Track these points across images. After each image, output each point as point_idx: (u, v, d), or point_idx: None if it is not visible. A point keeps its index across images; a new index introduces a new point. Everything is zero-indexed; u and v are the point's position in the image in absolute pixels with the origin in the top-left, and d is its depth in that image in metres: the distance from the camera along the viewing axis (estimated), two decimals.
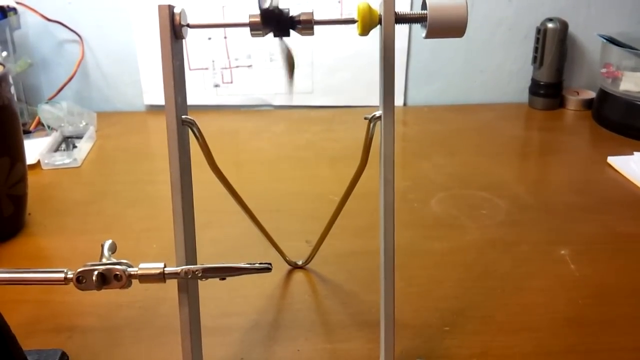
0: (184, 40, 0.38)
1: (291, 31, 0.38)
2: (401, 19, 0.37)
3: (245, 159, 0.87)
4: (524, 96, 1.06)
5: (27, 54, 0.99)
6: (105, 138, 0.94)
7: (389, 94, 0.37)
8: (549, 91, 1.02)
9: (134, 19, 1.00)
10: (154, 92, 1.05)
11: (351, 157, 0.85)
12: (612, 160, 0.80)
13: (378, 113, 0.39)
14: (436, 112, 1.03)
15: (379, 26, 0.38)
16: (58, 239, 0.66)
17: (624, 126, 0.91)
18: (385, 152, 0.38)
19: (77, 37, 1.01)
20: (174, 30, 0.37)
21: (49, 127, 0.94)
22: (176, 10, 0.37)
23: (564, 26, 0.98)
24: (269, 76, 1.04)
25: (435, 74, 1.06)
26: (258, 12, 0.35)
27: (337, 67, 1.04)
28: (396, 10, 0.37)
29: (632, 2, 1.01)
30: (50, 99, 1.00)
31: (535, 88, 1.03)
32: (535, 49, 1.01)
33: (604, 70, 0.96)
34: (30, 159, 0.75)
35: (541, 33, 0.99)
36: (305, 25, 0.37)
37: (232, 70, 1.03)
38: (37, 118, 0.96)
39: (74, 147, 0.88)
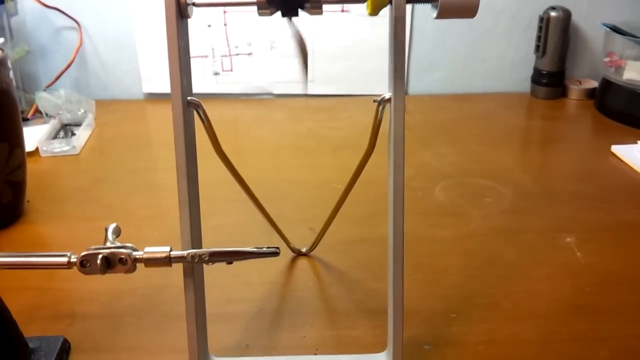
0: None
1: (299, 11, 0.37)
2: None
3: (246, 148, 0.86)
4: (526, 85, 1.05)
5: (24, 41, 0.98)
6: (104, 126, 0.93)
7: (400, 75, 0.37)
8: (551, 80, 1.01)
9: (132, 5, 0.99)
10: (153, 80, 1.04)
11: (353, 145, 0.86)
12: (616, 149, 0.80)
13: (387, 95, 0.38)
14: (438, 101, 1.02)
15: (388, 6, 0.37)
16: (57, 226, 0.65)
17: (627, 115, 0.90)
18: (395, 135, 0.38)
19: (75, 24, 1.00)
20: (180, 9, 0.36)
21: (46, 114, 0.93)
22: None
23: (567, 15, 0.97)
24: (269, 64, 1.03)
25: (437, 63, 1.05)
26: None
27: (338, 56, 1.03)
28: None
29: None
30: (48, 86, 0.99)
31: (537, 77, 1.02)
32: (538, 38, 1.00)
33: (607, 59, 0.95)
34: (28, 147, 0.74)
35: (544, 22, 0.98)
36: (314, 4, 0.36)
37: (232, 58, 1.02)
38: (34, 105, 0.94)
39: (73, 134, 0.87)
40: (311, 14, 0.37)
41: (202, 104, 0.39)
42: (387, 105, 0.39)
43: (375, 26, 1.00)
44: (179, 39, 0.36)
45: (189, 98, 0.38)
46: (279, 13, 0.37)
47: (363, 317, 0.49)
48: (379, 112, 0.40)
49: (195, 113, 0.39)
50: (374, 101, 0.39)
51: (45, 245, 0.63)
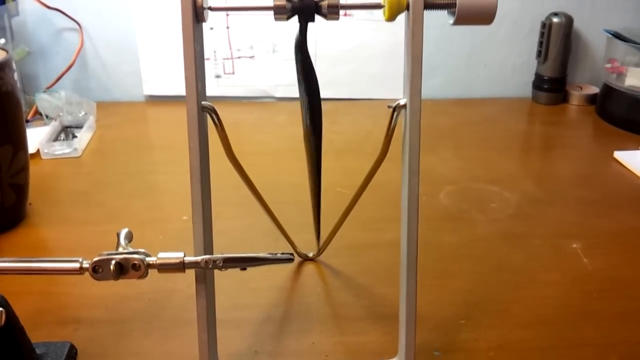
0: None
1: (316, 16, 0.37)
2: (430, 4, 0.36)
3: (248, 151, 0.85)
4: (527, 90, 1.05)
5: (25, 42, 0.97)
6: (105, 128, 0.92)
7: (416, 82, 0.37)
8: (552, 86, 1.01)
9: (134, 7, 0.99)
10: (154, 82, 1.03)
11: (356, 149, 0.86)
12: (619, 155, 0.80)
13: (402, 101, 0.38)
14: (440, 106, 1.02)
15: (405, 12, 0.37)
16: (60, 229, 0.65)
17: (628, 121, 0.91)
18: (410, 141, 0.37)
19: (76, 26, 0.99)
20: (196, 12, 0.36)
21: (47, 116, 0.92)
22: None
23: (569, 21, 0.97)
24: (271, 67, 1.02)
25: (438, 68, 1.05)
26: None
27: (340, 59, 1.02)
28: None
29: None
30: (48, 88, 0.98)
31: (538, 82, 1.03)
32: (540, 43, 1.00)
33: (608, 65, 0.95)
34: (29, 149, 0.74)
35: (546, 27, 0.98)
36: (332, 9, 0.36)
37: (234, 61, 1.02)
38: (34, 107, 0.94)
39: (74, 136, 0.86)
40: (328, 19, 0.37)
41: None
42: (400, 110, 0.39)
43: (377, 30, 1.00)
44: (195, 43, 0.36)
45: (203, 103, 0.37)
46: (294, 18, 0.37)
47: (372, 323, 0.49)
48: (393, 119, 0.39)
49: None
50: (389, 107, 0.39)
51: (48, 248, 0.62)
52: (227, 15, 0.98)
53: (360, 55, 1.02)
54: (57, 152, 0.81)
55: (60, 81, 0.99)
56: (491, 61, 1.05)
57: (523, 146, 0.89)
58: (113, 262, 0.35)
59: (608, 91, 0.95)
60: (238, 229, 0.64)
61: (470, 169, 0.78)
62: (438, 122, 0.96)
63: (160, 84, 1.03)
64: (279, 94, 1.04)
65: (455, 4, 0.36)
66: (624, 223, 0.65)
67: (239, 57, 1.02)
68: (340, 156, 0.83)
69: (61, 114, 0.91)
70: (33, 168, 0.68)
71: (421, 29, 0.36)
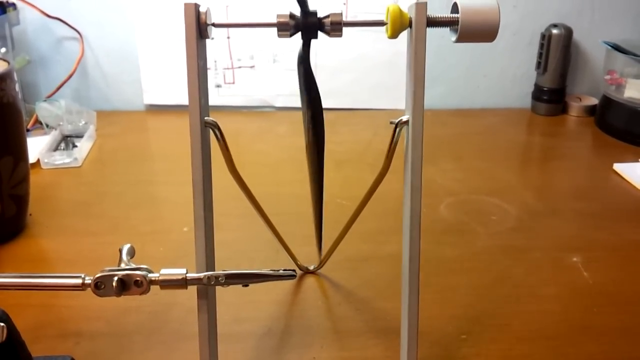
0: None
1: (319, 32, 0.37)
2: (433, 22, 0.36)
3: (248, 161, 0.85)
4: (526, 101, 1.06)
5: (25, 51, 0.97)
6: (105, 137, 0.92)
7: (419, 98, 0.37)
8: (552, 97, 1.02)
9: (135, 17, 0.99)
10: (154, 92, 1.03)
11: (357, 160, 0.86)
12: (618, 167, 0.80)
13: (405, 118, 0.38)
14: (440, 117, 1.02)
15: (407, 29, 0.37)
16: (60, 240, 0.64)
17: (627, 133, 0.91)
18: (413, 158, 0.37)
19: (77, 35, 1.00)
20: (200, 29, 0.36)
21: (47, 125, 0.92)
22: (202, 9, 0.36)
23: (568, 32, 0.98)
24: (271, 77, 1.03)
25: (438, 78, 1.05)
26: (289, 13, 0.34)
27: (341, 69, 1.03)
28: (427, 13, 0.36)
29: (636, 9, 1.01)
30: (49, 97, 0.98)
31: (538, 93, 1.03)
32: (540, 55, 1.00)
33: (607, 77, 0.96)
34: (29, 158, 0.74)
35: (545, 39, 0.99)
36: (335, 26, 0.36)
37: (235, 70, 1.02)
38: (34, 116, 0.94)
39: (74, 146, 0.86)
40: (331, 36, 0.37)
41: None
42: (402, 127, 0.39)
43: (377, 40, 1.01)
44: (198, 59, 0.36)
45: (206, 118, 0.38)
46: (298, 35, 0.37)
47: (374, 338, 0.49)
48: (396, 135, 0.40)
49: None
50: (391, 123, 0.39)
51: (49, 260, 0.62)
52: None
53: (360, 65, 1.03)
54: (57, 162, 0.81)
55: (60, 90, 0.99)
56: (491, 72, 1.06)
57: (523, 157, 0.89)
58: (115, 278, 0.35)
59: (607, 102, 0.96)
60: (239, 240, 0.64)
61: (470, 180, 0.79)
62: (438, 132, 0.96)
63: (161, 93, 1.03)
64: (279, 103, 1.05)
65: (458, 21, 0.36)
66: (624, 236, 0.65)
67: (239, 67, 1.02)
68: (341, 167, 0.83)
69: (61, 123, 0.91)
70: (33, 178, 0.68)
71: (424, 47, 0.36)
